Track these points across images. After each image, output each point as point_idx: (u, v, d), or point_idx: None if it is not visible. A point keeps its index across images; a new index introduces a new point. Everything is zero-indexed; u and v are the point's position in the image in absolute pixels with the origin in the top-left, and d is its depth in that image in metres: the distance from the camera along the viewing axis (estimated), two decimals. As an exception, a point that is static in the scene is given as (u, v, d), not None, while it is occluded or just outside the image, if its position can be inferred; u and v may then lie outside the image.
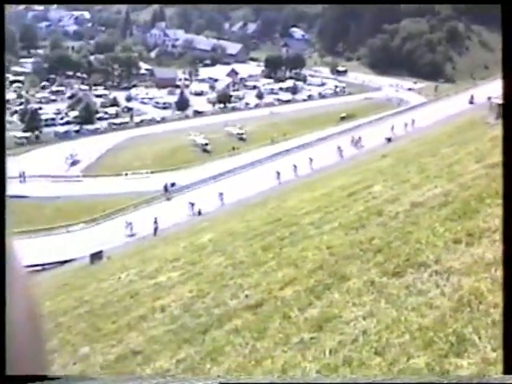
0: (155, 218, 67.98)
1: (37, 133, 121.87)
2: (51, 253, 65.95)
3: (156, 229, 63.70)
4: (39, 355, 1.68)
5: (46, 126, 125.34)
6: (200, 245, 21.92)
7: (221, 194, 75.54)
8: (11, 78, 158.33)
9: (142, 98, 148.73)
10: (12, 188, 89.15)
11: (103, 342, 12.90)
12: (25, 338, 1.59)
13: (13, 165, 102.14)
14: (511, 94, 5.52)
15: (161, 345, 11.09)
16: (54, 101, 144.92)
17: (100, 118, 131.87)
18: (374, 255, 11.20)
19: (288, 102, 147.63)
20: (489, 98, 57.63)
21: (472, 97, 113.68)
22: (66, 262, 58.91)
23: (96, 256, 43.47)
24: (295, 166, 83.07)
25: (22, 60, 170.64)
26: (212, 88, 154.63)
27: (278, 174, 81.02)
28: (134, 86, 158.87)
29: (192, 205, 73.12)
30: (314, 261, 12.82)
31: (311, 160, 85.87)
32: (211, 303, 12.78)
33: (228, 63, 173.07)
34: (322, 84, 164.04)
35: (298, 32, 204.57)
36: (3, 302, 1.53)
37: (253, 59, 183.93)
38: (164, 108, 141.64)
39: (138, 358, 10.83)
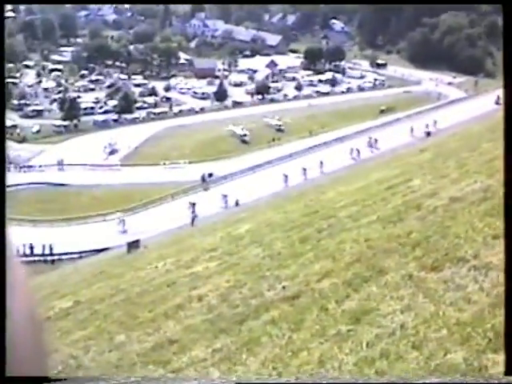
0: (193, 208, 68.34)
1: (75, 121, 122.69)
2: (88, 241, 66.50)
3: (193, 219, 63.97)
4: (39, 356, 1.68)
5: (85, 114, 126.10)
6: (237, 235, 21.97)
7: (258, 186, 75.63)
8: (50, 66, 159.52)
9: (181, 88, 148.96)
10: (50, 176, 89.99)
11: (139, 331, 12.99)
12: (25, 340, 1.60)
13: (51, 153, 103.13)
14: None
15: (197, 334, 11.16)
16: (93, 90, 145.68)
17: (139, 108, 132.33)
18: (412, 249, 11.19)
19: (327, 94, 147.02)
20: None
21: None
22: (102, 250, 59.34)
23: (133, 245, 43.70)
24: (333, 159, 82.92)
25: (62, 49, 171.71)
26: (251, 79, 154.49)
27: (316, 166, 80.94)
28: (173, 75, 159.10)
29: (228, 196, 73.28)
30: (351, 254, 12.82)
31: (350, 152, 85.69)
32: (248, 294, 12.82)
33: (267, 54, 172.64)
34: (362, 77, 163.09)
35: (337, 24, 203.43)
36: (3, 302, 1.54)
37: (292, 51, 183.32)
38: (203, 98, 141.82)
39: (175, 346, 10.91)
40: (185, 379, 8.99)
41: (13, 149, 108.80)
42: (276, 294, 12.02)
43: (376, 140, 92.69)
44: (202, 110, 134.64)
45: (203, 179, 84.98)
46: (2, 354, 1.52)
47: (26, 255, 64.89)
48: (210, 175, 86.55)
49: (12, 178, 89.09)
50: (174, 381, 9.42)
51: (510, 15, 5.42)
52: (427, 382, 6.43)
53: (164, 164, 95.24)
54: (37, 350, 1.64)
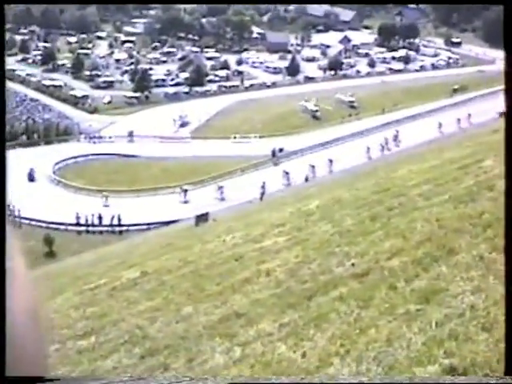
0: (262, 183, 68.46)
1: (146, 93, 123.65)
2: (156, 213, 67.14)
3: (262, 193, 64.12)
4: (40, 356, 1.64)
5: (156, 86, 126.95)
6: (307, 211, 21.93)
7: (329, 162, 75.42)
8: (123, 37, 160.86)
9: (253, 62, 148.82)
10: (120, 147, 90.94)
11: (207, 303, 13.10)
12: (25, 339, 1.56)
13: (122, 124, 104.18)
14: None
15: (265, 308, 11.21)
16: (165, 62, 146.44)
17: (210, 81, 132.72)
18: (483, 230, 11.06)
19: (400, 71, 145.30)
20: None
21: None
22: (170, 222, 59.87)
23: (201, 218, 43.99)
24: (405, 137, 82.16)
25: (134, 20, 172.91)
26: (324, 54, 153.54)
27: (387, 143, 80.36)
28: (246, 49, 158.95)
29: (297, 172, 73.21)
30: (422, 232, 12.72)
31: (423, 131, 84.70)
32: (317, 269, 12.83)
33: (341, 30, 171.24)
34: (435, 55, 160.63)
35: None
36: (3, 301, 1.50)
37: (366, 27, 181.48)
38: (275, 73, 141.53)
39: (242, 320, 10.98)
40: (180, 380, 9.03)
41: (84, 119, 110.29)
42: (345, 271, 12.01)
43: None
44: (274, 84, 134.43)
45: (273, 154, 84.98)
46: (2, 353, 1.50)
47: (94, 225, 65.93)
48: (281, 150, 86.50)
49: (82, 148, 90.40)
50: (168, 381, 9.53)
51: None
52: (427, 382, 6.37)
53: (234, 138, 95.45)
54: (37, 348, 1.60)
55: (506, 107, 5.09)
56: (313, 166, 74.12)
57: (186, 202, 69.54)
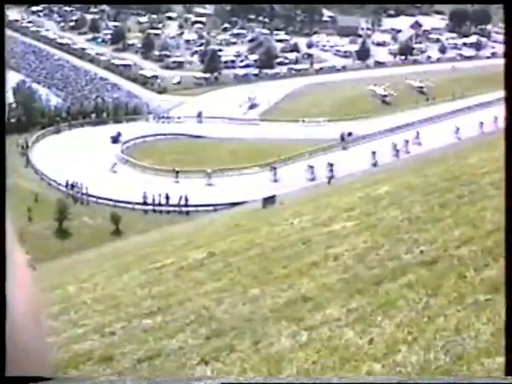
0: (330, 167, 68.31)
1: (216, 74, 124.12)
2: (223, 194, 67.42)
3: (331, 177, 64.00)
4: (42, 355, 1.59)
5: (226, 68, 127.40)
6: (376, 196, 21.77)
7: (398, 147, 74.88)
8: (193, 18, 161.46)
9: (323, 46, 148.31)
10: (189, 127, 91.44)
11: (273, 286, 13.09)
12: (26, 337, 1.51)
13: (191, 105, 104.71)
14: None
15: (332, 293, 11.18)
16: (235, 43, 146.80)
17: (280, 63, 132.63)
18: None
19: (471, 58, 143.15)
20: None
21: None
22: (237, 204, 60.04)
23: (269, 200, 44.06)
24: (476, 124, 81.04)
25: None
26: (394, 39, 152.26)
27: (458, 130, 79.36)
28: (316, 32, 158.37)
29: (365, 156, 72.90)
30: (492, 222, 12.54)
31: (496, 118, 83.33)
32: (385, 255, 12.74)
33: (412, 15, 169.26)
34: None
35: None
36: (3, 301, 1.47)
37: (437, 12, 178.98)
38: (344, 56, 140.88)
39: (309, 304, 10.95)
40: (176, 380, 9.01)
41: (153, 99, 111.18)
42: (414, 258, 11.90)
43: None
44: (344, 68, 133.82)
45: (342, 138, 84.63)
46: (2, 353, 1.46)
47: (161, 205, 66.50)
48: (349, 134, 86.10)
49: (151, 128, 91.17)
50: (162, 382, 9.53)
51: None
52: (427, 382, 6.25)
53: (303, 121, 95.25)
54: (39, 347, 1.55)
55: (506, 107, 4.97)
56: (381, 152, 73.63)
57: (260, 186, 69.59)
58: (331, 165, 69.12)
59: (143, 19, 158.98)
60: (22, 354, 1.49)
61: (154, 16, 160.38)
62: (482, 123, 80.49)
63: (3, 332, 1.45)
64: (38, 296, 1.59)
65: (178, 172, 72.04)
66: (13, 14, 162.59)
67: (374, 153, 73.90)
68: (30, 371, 1.51)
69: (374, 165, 68.78)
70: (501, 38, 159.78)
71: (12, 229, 1.58)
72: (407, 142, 77.58)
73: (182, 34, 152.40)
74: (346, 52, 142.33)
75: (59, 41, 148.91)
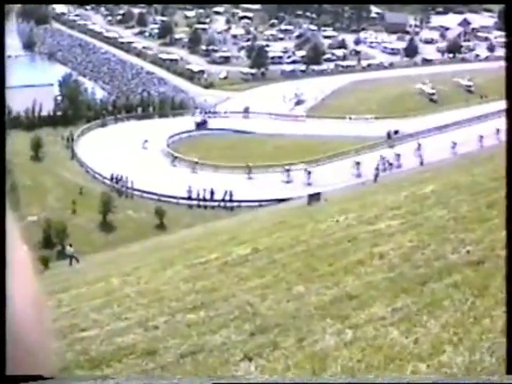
0: (377, 165, 68.09)
1: (263, 70, 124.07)
2: (268, 190, 67.48)
3: (377, 175, 63.73)
4: (45, 353, 1.54)
5: (273, 63, 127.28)
6: (422, 195, 21.67)
7: (444, 146, 74.33)
8: (240, 13, 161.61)
9: (371, 42, 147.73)
10: (235, 123, 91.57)
11: (318, 283, 13.09)
12: (28, 336, 1.47)
13: (237, 100, 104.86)
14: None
15: (377, 291, 11.14)
16: (282, 39, 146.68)
17: (327, 60, 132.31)
18: None
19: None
20: None
21: None
22: (282, 200, 60.06)
23: (314, 197, 43.96)
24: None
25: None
26: (442, 36, 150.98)
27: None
28: (363, 29, 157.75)
29: (411, 155, 72.54)
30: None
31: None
32: (431, 255, 12.68)
33: (460, 12, 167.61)
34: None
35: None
36: (3, 301, 1.43)
37: (486, 10, 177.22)
38: (392, 53, 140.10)
39: (354, 302, 10.94)
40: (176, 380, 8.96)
41: (199, 94, 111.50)
42: (460, 258, 11.83)
43: None
44: (391, 65, 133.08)
45: (389, 136, 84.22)
46: (2, 352, 1.43)
47: (205, 200, 66.71)
48: (396, 132, 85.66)
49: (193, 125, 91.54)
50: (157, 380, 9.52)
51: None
52: (428, 382, 6.19)
53: (350, 118, 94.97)
54: (42, 345, 1.52)
55: (507, 107, 4.92)
56: (428, 150, 73.17)
57: (306, 184, 69.39)
58: (383, 158, 68.93)
59: (190, 14, 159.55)
60: (24, 354, 1.46)
61: (201, 11, 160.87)
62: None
63: (3, 332, 1.42)
64: (40, 295, 1.56)
65: (249, 168, 72.36)
66: (60, 7, 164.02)
67: (419, 151, 73.48)
68: (32, 371, 1.49)
69: (421, 163, 68.32)
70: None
71: (15, 227, 1.54)
72: (455, 144, 76.80)
73: (229, 28, 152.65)
74: (393, 49, 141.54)
75: (106, 34, 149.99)
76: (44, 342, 1.52)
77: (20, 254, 1.51)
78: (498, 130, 77.99)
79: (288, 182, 70.29)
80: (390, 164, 72.36)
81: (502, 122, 74.65)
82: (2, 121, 1.91)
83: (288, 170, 71.97)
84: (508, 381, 5.95)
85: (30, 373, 1.48)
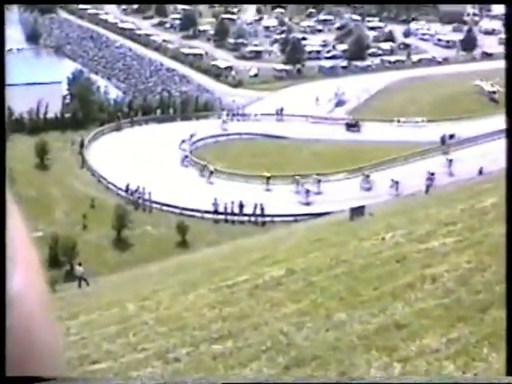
0: (429, 174, 67.76)
1: (299, 66, 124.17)
2: (304, 203, 67.44)
3: (429, 186, 63.45)
4: (55, 351, 1.57)
5: (310, 59, 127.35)
6: (481, 209, 21.54)
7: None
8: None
9: (423, 34, 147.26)
10: (267, 126, 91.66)
11: (362, 310, 13.06)
12: (35, 332, 1.51)
13: (270, 101, 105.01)
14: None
15: (430, 320, 11.09)
16: (321, 31, 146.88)
17: (372, 54, 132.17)
18: None
19: None
20: None
21: None
22: (320, 214, 59.93)
23: (357, 211, 43.82)
24: None
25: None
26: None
27: None
28: (414, 19, 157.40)
29: (469, 163, 72.13)
30: None
31: None
32: (492, 278, 12.59)
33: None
34: None
35: None
36: (3, 301, 1.47)
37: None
38: (447, 47, 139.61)
39: (403, 332, 10.89)
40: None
41: (226, 93, 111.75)
42: (526, 282, 11.74)
43: None
44: (446, 60, 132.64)
45: (443, 141, 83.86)
46: (2, 353, 1.45)
47: (234, 214, 66.71)
48: (451, 137, 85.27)
49: (224, 126, 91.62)
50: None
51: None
52: (428, 382, 6.16)
53: (398, 121, 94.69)
54: (50, 343, 1.55)
55: (507, 108, 4.91)
56: (488, 158, 72.73)
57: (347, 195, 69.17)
58: (430, 172, 68.49)
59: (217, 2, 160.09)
60: (36, 353, 1.50)
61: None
62: None
63: (3, 332, 1.46)
64: (47, 295, 1.63)
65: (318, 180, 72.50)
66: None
67: (478, 158, 73.08)
68: (43, 371, 1.51)
69: (480, 172, 67.90)
70: None
71: (24, 226, 1.58)
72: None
73: (260, 19, 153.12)
74: (448, 42, 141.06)
75: (121, 25, 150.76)
76: (55, 341, 1.57)
77: (28, 254, 1.57)
78: None
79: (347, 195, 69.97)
80: (446, 173, 72.07)
81: None
82: (2, 121, 1.95)
83: (319, 181, 71.88)
84: (508, 381, 5.96)
85: (43, 374, 1.51)
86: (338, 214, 52.70)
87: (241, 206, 66.45)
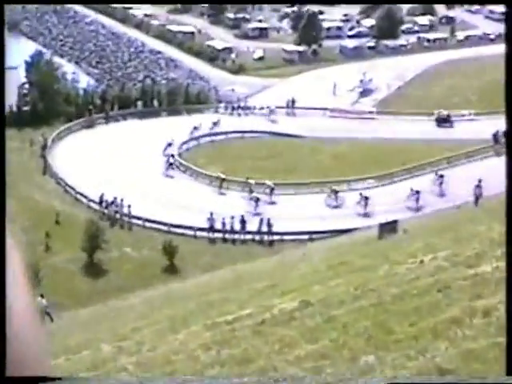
0: (478, 181, 67.71)
1: (315, 47, 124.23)
2: (323, 217, 67.37)
3: (478, 196, 63.36)
4: (42, 354, 1.98)
5: (328, 37, 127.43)
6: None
7: None
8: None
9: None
10: (275, 123, 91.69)
11: (396, 351, 13.06)
12: (25, 336, 1.90)
13: (279, 90, 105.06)
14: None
15: (481, 364, 11.10)
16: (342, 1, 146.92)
17: (406, 31, 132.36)
18: None
19: None
20: None
21: None
22: (342, 232, 59.90)
23: (387, 227, 43.90)
24: None
25: None
26: None
27: None
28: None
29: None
30: None
31: None
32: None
33: None
34: None
35: None
36: (3, 302, 1.80)
37: None
38: (499, 20, 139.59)
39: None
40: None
41: (225, 81, 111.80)
42: None
43: None
44: (499, 36, 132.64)
45: (496, 139, 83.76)
46: (2, 353, 1.82)
47: (234, 232, 66.60)
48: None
49: (222, 122, 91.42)
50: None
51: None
52: (428, 382, 6.29)
53: (438, 113, 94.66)
54: (38, 346, 1.95)
55: (507, 108, 4.97)
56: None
57: (363, 208, 69.06)
58: (479, 179, 68.52)
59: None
60: (24, 354, 1.91)
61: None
62: None
63: (3, 332, 1.81)
64: (32, 298, 2.03)
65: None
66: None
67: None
68: (32, 372, 1.92)
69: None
70: None
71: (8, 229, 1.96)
72: None
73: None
74: (502, 14, 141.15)
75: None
76: (40, 343, 1.98)
77: (14, 259, 1.96)
78: None
79: (363, 207, 69.81)
80: (500, 179, 71.99)
81: None
82: (2, 120, 2.13)
83: (272, 189, 71.98)
84: (508, 381, 6.12)
85: (30, 374, 1.91)
86: (364, 230, 52.71)
87: (242, 221, 66.43)
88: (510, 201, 5.55)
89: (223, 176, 74.42)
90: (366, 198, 68.21)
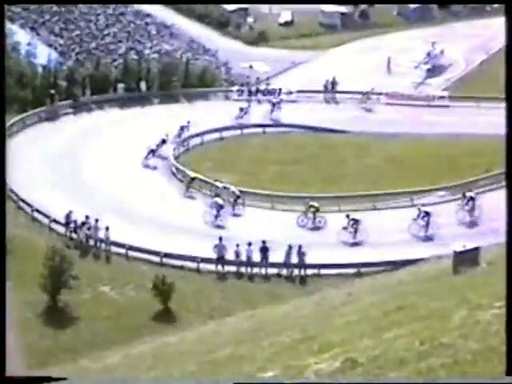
0: None
1: (363, 7, 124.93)
2: (375, 243, 67.33)
3: None
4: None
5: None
6: None
7: None
8: None
9: None
10: (309, 112, 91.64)
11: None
12: None
13: (313, 67, 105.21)
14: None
15: None
16: None
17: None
18: None
19: None
20: None
21: None
22: (404, 263, 59.76)
23: (465, 258, 43.88)
24: None
25: None
26: None
27: None
28: None
29: None
30: None
31: None
32: None
33: None
34: None
35: None
36: (3, 302, 2.02)
37: None
38: None
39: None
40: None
41: (239, 55, 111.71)
42: None
43: None
44: None
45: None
46: (2, 353, 2.12)
47: (251, 264, 66.24)
48: None
49: (234, 112, 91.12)
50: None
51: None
52: (428, 382, 6.50)
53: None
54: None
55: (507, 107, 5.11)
56: None
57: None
58: None
59: None
60: None
61: None
62: None
63: (3, 332, 2.11)
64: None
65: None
66: None
67: None
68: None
69: None
70: None
71: None
72: None
73: None
74: None
75: None
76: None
77: None
78: None
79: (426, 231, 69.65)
80: None
81: None
82: (2, 120, 2.17)
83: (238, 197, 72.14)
84: (508, 381, 6.48)
85: None
86: (432, 261, 52.70)
87: (263, 249, 66.18)
88: (510, 200, 5.86)
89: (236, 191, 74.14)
90: (427, 215, 68.14)
